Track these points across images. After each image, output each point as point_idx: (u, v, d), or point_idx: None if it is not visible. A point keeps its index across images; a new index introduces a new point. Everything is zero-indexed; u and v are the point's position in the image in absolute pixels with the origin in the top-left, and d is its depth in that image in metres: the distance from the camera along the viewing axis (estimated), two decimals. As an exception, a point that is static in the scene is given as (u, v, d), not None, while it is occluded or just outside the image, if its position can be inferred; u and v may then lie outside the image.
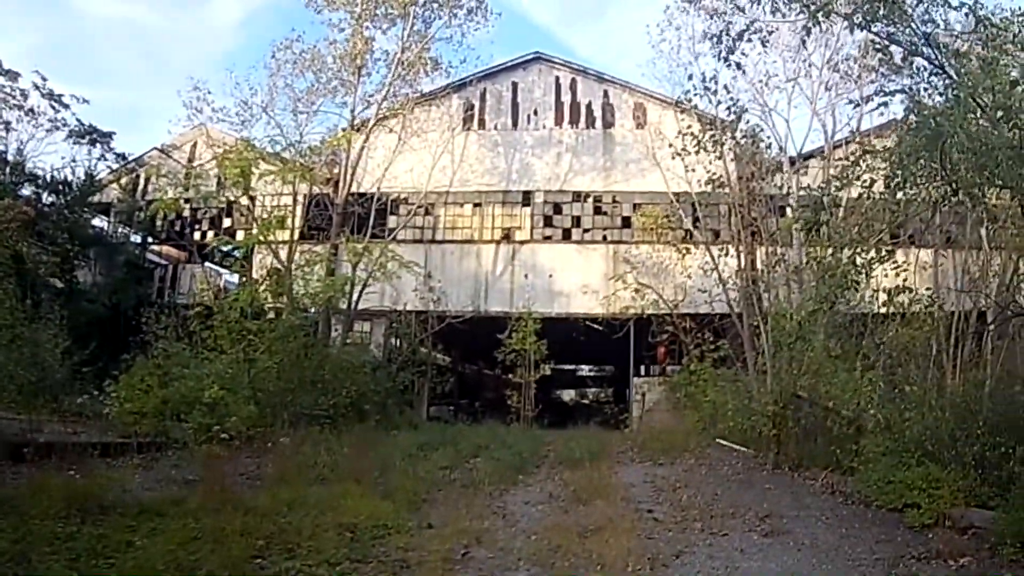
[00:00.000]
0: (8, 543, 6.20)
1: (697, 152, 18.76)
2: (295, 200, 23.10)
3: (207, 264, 26.62)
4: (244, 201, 22.58)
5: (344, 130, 23.52)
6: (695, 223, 22.69)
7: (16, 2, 48.32)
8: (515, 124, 25.96)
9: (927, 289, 14.40)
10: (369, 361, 20.89)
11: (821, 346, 13.40)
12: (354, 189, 24.12)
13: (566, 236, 25.35)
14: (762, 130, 20.17)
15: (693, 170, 19.51)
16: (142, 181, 26.95)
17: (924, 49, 7.61)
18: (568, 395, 49.14)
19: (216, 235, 24.86)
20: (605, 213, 25.35)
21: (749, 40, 9.89)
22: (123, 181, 27.10)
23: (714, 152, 18.84)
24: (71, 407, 13.82)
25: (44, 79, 24.56)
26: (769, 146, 20.91)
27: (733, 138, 18.96)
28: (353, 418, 16.46)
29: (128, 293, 24.40)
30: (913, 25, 7.58)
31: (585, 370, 47.48)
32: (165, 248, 29.15)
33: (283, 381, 15.89)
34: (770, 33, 10.43)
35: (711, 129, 18.66)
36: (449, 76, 25.08)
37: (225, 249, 24.01)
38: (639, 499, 10.45)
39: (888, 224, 12.18)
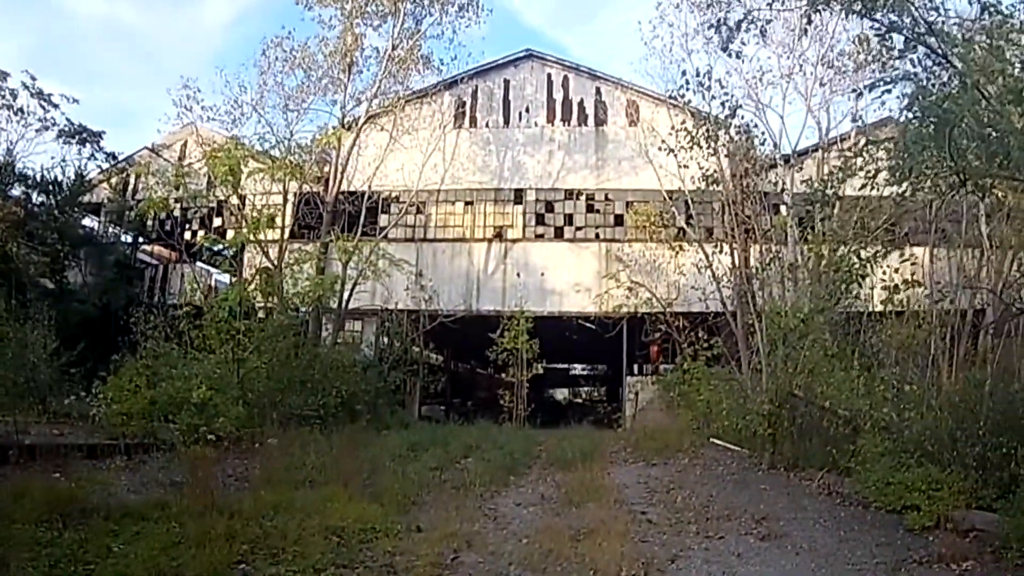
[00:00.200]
0: (-13, 549, 6.06)
1: (690, 148, 18.69)
2: (285, 198, 22.93)
3: (198, 263, 26.42)
4: (234, 200, 22.38)
5: (334, 128, 23.30)
6: (688, 221, 22.55)
7: (6, 2, 47.85)
8: (507, 122, 25.79)
9: (922, 287, 14.31)
10: (360, 360, 20.70)
11: (818, 344, 13.25)
12: (345, 187, 23.91)
13: (558, 234, 25.26)
14: (756, 126, 20.17)
15: (686, 167, 19.38)
16: (132, 181, 26.85)
17: (927, 38, 7.43)
18: (561, 394, 49.20)
19: (206, 234, 24.58)
20: (598, 211, 25.24)
21: (747, 30, 9.73)
22: (113, 181, 26.92)
23: (708, 148, 18.76)
24: (59, 408, 13.73)
25: (33, 78, 24.50)
26: (763, 143, 20.88)
27: (727, 134, 18.86)
28: (343, 418, 16.34)
29: (118, 293, 24.24)
30: (916, 13, 7.41)
31: (578, 369, 47.47)
32: (156, 248, 29.00)
33: (272, 381, 15.73)
34: (768, 23, 10.24)
35: (704, 125, 18.52)
36: (440, 73, 24.83)
37: (215, 248, 23.86)
38: (633, 501, 10.32)
39: (893, 216, 11.99)
